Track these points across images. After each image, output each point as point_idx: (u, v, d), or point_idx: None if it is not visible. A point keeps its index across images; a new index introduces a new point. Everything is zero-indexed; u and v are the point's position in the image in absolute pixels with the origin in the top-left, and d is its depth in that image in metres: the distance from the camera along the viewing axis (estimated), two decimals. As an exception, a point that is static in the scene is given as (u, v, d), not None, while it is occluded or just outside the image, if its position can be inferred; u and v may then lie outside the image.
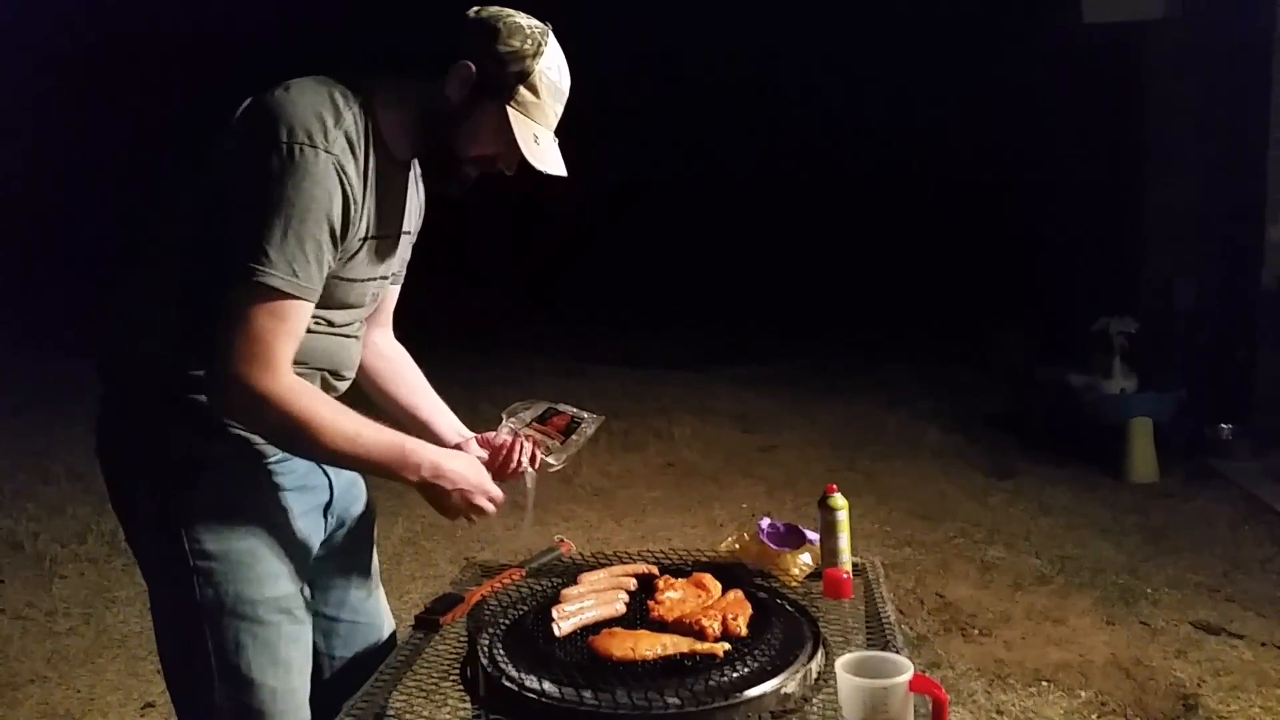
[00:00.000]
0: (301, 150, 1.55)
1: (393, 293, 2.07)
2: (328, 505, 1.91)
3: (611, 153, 14.35)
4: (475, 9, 1.74)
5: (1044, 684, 3.40)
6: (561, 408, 2.09)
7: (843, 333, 10.92)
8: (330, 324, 1.78)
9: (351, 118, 1.63)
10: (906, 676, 1.43)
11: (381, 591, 2.13)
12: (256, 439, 1.73)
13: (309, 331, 1.71)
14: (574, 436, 2.03)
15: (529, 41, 1.70)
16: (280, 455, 1.78)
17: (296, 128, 1.56)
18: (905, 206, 12.95)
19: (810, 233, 13.60)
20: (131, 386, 1.73)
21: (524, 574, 2.09)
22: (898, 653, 1.59)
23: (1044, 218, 9.81)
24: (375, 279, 1.84)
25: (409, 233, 1.93)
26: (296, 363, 1.68)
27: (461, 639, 1.83)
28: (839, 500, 2.02)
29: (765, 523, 2.13)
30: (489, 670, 1.62)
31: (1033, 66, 9.58)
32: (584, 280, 13.86)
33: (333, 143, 1.58)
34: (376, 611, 2.08)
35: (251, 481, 1.75)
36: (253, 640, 1.71)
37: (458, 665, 1.74)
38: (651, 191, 14.36)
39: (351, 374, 1.90)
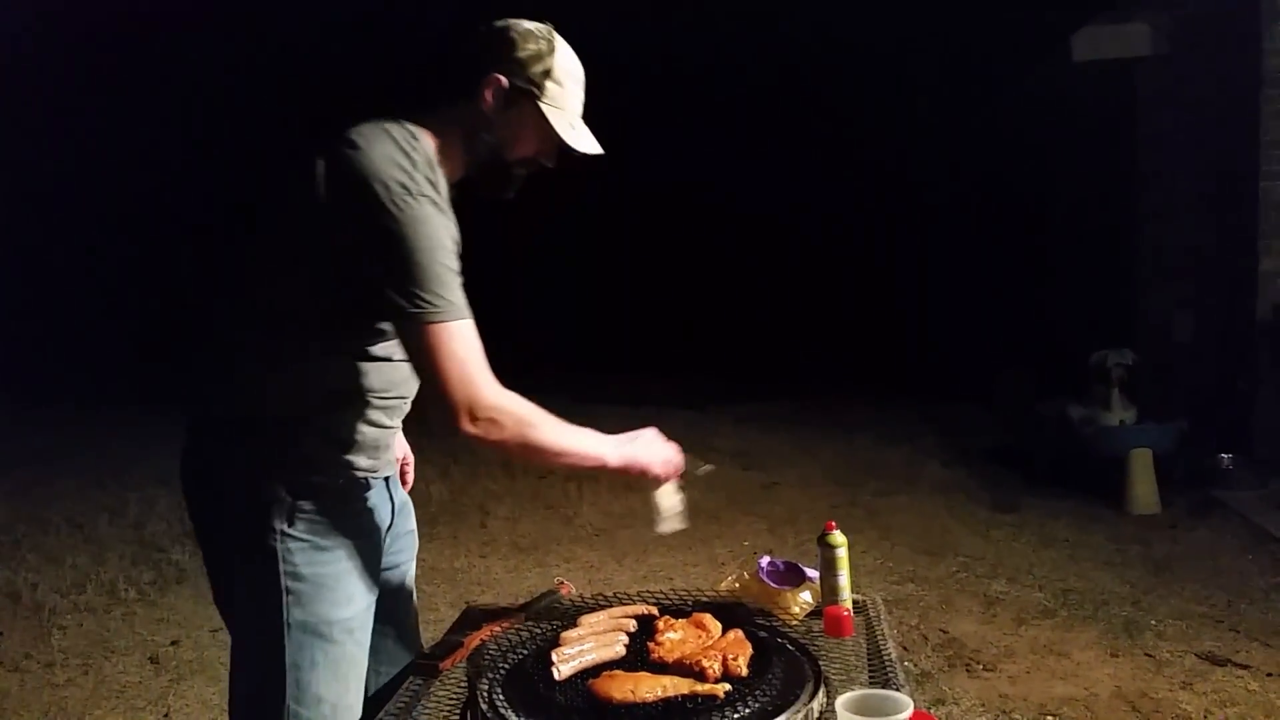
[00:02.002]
0: (401, 202, 1.64)
1: None
2: (389, 528, 1.99)
3: (613, 192, 14.48)
4: (482, 26, 1.86)
5: (1049, 718, 3.38)
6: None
7: (843, 370, 10.94)
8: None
9: (422, 156, 1.71)
10: (906, 714, 1.43)
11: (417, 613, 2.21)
12: (344, 470, 1.82)
13: (389, 360, 1.81)
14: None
15: (543, 42, 1.84)
16: (365, 482, 1.87)
17: (387, 183, 1.64)
18: (902, 244, 13.03)
19: (809, 271, 13.68)
20: (234, 440, 1.80)
21: (524, 618, 2.08)
22: (899, 690, 1.59)
23: (1042, 254, 9.87)
24: None
25: None
26: (382, 393, 1.82)
27: (461, 684, 1.82)
28: (838, 537, 2.02)
29: (765, 561, 2.13)
30: (489, 715, 1.62)
31: (1027, 105, 9.67)
32: (584, 320, 13.88)
33: (421, 184, 1.67)
34: (415, 630, 2.16)
35: (341, 509, 1.82)
36: (324, 658, 1.78)
37: (458, 711, 1.73)
38: (653, 230, 14.43)
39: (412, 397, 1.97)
